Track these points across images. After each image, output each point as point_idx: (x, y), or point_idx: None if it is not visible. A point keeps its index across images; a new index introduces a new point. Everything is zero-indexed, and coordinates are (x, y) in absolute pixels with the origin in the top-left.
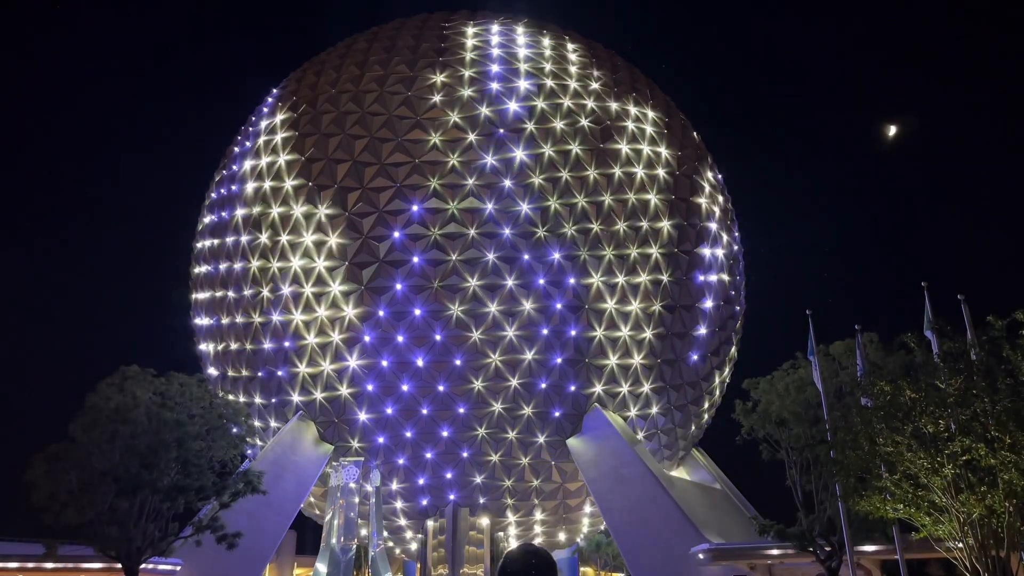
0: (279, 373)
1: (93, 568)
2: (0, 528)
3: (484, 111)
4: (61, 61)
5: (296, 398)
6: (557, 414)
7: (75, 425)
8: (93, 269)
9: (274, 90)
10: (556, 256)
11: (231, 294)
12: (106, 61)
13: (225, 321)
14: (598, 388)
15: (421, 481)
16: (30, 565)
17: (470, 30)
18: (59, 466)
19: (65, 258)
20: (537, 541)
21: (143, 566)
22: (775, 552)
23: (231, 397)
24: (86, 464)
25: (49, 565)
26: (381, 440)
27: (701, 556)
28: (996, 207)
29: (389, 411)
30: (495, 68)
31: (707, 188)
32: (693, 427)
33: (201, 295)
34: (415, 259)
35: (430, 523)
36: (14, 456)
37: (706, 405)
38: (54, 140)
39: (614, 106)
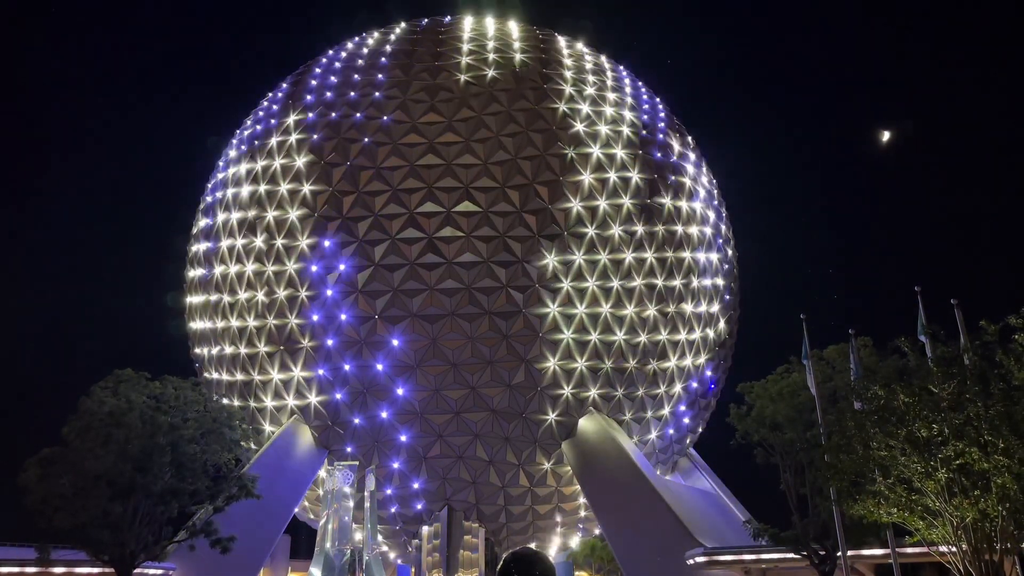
0: (274, 377)
1: (86, 572)
2: None
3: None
4: (56, 60)
5: (291, 402)
6: (552, 418)
7: (69, 429)
8: (88, 272)
9: (269, 94)
10: (550, 260)
11: (226, 298)
12: (101, 60)
13: (220, 325)
14: (593, 392)
15: (416, 485)
16: (23, 570)
17: (466, 34)
18: (52, 470)
19: (59, 260)
20: (532, 545)
21: (136, 570)
22: (769, 556)
23: (226, 401)
24: (80, 468)
25: (42, 569)
26: (376, 444)
27: (695, 560)
28: (989, 211)
29: (384, 415)
30: (491, 73)
31: (702, 193)
32: (688, 431)
33: (196, 299)
34: (410, 263)
35: (425, 528)
36: (7, 460)
37: (700, 409)
38: (49, 141)
39: (609, 111)
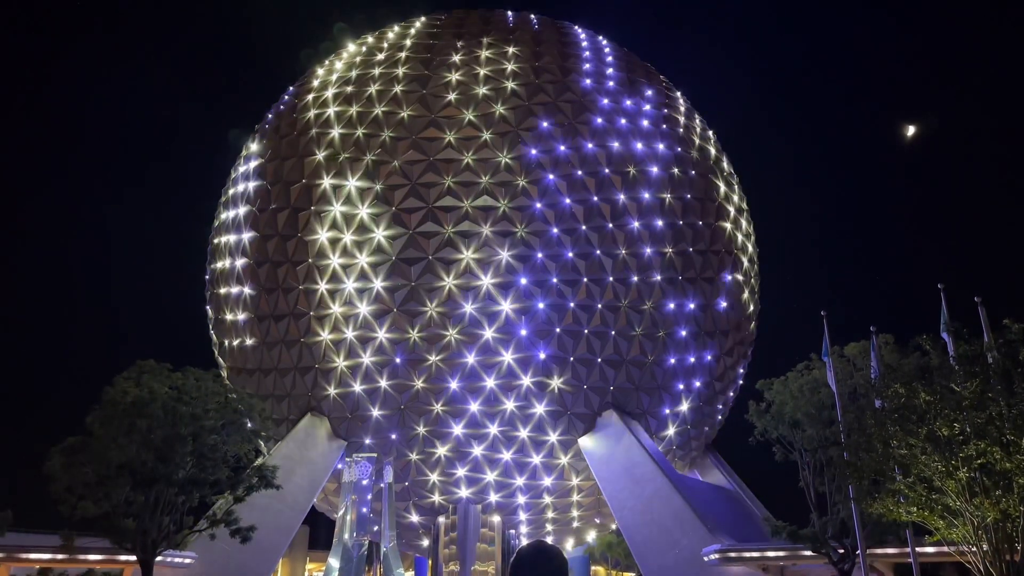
0: (294, 369)
1: (108, 560)
2: (18, 520)
3: (499, 109)
4: (77, 56)
5: (310, 394)
6: (569, 413)
7: (92, 419)
8: (111, 263)
9: (291, 88)
10: (570, 255)
11: (247, 290)
12: (122, 56)
13: (241, 317)
14: (611, 387)
15: (433, 478)
16: (47, 556)
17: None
18: (76, 459)
19: (83, 252)
20: (548, 539)
21: (158, 559)
22: (787, 554)
23: (246, 392)
24: (103, 457)
25: (66, 556)
26: (394, 436)
27: (712, 557)
28: (1014, 209)
29: (402, 408)
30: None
31: (722, 187)
32: (706, 427)
33: (217, 290)
34: (428, 257)
35: (442, 520)
36: (33, 449)
37: (719, 406)
38: (68, 135)
39: (628, 103)
